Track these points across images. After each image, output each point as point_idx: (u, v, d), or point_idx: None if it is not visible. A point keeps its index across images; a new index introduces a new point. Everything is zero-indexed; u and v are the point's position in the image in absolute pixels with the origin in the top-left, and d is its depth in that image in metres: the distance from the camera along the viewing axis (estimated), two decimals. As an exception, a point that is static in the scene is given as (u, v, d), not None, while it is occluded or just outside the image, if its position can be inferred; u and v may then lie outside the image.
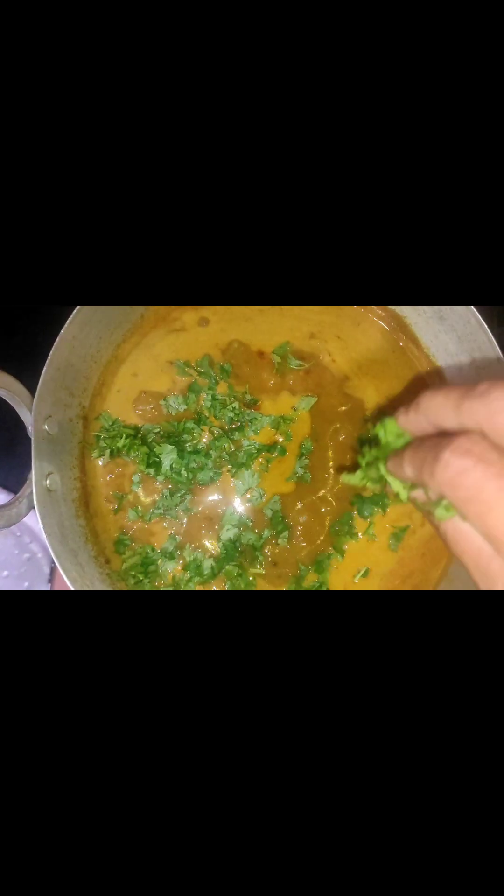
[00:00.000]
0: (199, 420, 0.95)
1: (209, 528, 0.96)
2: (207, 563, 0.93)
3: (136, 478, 0.95)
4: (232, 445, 0.95)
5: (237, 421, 0.96)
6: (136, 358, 0.99)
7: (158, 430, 0.95)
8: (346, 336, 1.01)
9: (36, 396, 0.81)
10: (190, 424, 0.94)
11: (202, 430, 0.95)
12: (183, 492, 0.94)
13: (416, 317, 0.98)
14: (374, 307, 1.02)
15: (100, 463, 0.96)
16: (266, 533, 0.94)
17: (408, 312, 0.99)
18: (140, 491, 0.96)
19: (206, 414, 0.96)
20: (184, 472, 0.93)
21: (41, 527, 0.82)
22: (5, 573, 1.08)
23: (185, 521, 0.95)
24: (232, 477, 0.95)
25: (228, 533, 0.94)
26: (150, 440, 0.95)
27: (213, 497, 0.96)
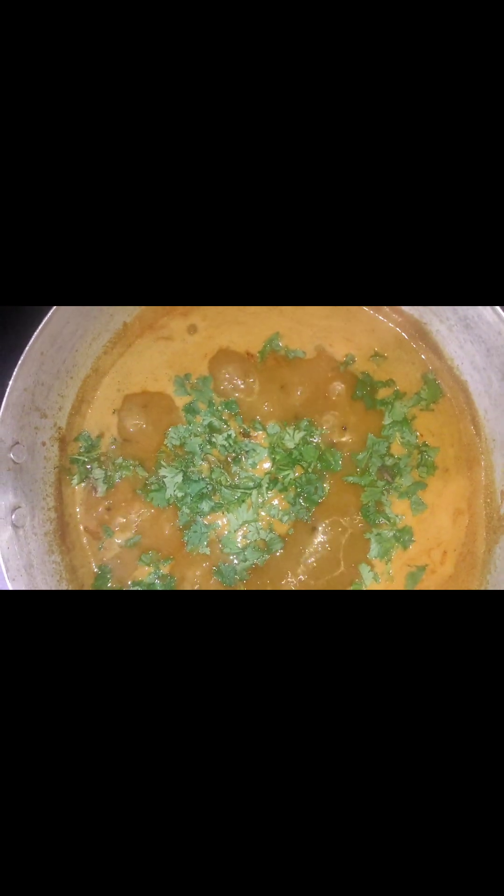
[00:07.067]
0: (202, 445, 0.86)
1: (200, 562, 0.85)
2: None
3: (117, 527, 0.87)
4: (229, 479, 0.85)
5: (233, 452, 0.86)
6: (122, 368, 0.91)
7: (161, 452, 0.87)
8: (358, 340, 0.89)
9: (-2, 422, 0.71)
10: (193, 444, 0.85)
11: (203, 456, 0.86)
12: (200, 520, 0.86)
13: (439, 324, 0.85)
14: (389, 309, 0.89)
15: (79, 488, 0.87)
16: (262, 560, 0.84)
17: (429, 318, 0.86)
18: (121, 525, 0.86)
19: (203, 441, 0.86)
20: (185, 508, 0.85)
21: (4, 572, 0.72)
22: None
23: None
24: (226, 512, 0.85)
25: (224, 568, 0.85)
26: (147, 462, 0.86)
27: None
